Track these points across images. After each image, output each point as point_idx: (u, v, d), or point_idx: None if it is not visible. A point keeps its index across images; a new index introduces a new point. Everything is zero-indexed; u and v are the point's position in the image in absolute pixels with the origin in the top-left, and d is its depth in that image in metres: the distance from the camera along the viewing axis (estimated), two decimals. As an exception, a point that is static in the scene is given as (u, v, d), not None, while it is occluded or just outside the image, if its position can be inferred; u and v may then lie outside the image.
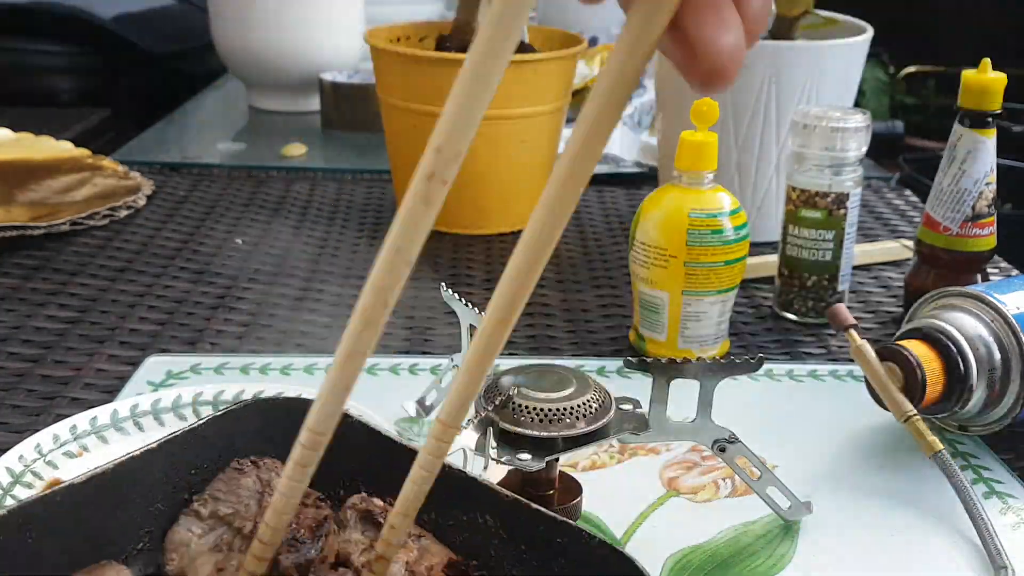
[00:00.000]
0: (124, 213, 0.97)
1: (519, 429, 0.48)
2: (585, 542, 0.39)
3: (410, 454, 0.42)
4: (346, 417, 0.44)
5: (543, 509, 0.40)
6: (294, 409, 0.45)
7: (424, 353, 0.72)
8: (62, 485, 0.40)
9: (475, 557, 0.42)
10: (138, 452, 0.42)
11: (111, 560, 0.40)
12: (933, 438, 0.55)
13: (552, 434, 0.47)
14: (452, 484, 0.42)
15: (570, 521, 0.39)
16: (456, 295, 0.55)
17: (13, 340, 0.72)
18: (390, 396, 0.64)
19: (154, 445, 0.43)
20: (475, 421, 0.47)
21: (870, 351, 0.58)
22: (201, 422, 0.45)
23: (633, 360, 0.49)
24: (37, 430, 0.56)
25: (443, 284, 0.57)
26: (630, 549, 0.51)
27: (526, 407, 0.48)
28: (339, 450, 0.43)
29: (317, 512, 0.42)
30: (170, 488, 0.44)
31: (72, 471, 0.54)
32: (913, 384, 0.57)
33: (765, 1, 0.26)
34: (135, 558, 0.42)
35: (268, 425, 0.46)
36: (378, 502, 0.43)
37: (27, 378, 0.67)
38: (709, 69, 0.25)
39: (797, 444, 0.61)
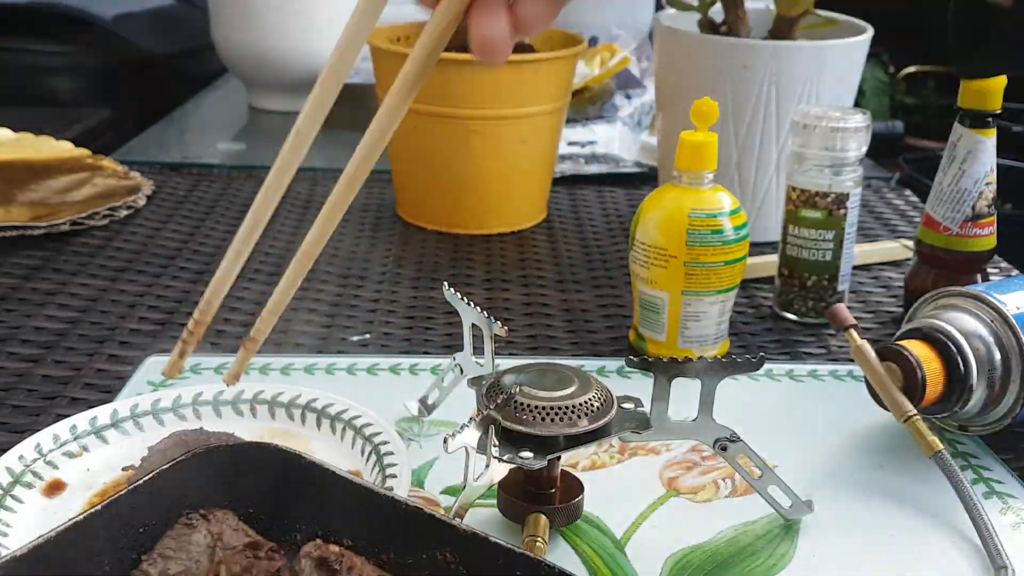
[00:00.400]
0: (124, 213, 0.97)
1: (521, 427, 0.48)
2: (545, 572, 0.38)
3: (369, 495, 0.42)
4: (298, 459, 0.43)
5: (502, 541, 0.39)
6: (244, 456, 0.44)
7: (424, 353, 0.72)
8: (3, 558, 0.38)
9: None
10: (82, 517, 0.40)
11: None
12: (933, 438, 0.55)
13: (554, 432, 0.47)
14: (410, 521, 0.41)
15: (529, 553, 0.39)
16: (458, 294, 0.56)
17: (13, 340, 0.72)
18: (390, 396, 0.64)
19: (98, 507, 0.41)
20: (477, 419, 0.47)
21: (870, 351, 0.58)
22: (147, 478, 0.42)
23: (635, 359, 0.49)
24: (37, 430, 0.56)
25: (446, 283, 0.57)
26: (630, 549, 0.51)
27: (528, 405, 0.48)
28: (295, 496, 0.42)
29: (271, 564, 0.41)
30: (118, 550, 0.41)
31: (72, 471, 0.54)
32: (913, 384, 0.57)
33: (532, 12, 0.39)
34: None
35: (218, 473, 0.44)
36: (334, 548, 0.41)
37: (27, 378, 0.67)
38: (479, 47, 0.40)
39: (797, 444, 0.61)
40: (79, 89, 1.90)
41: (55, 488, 0.53)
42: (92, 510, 0.40)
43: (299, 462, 0.43)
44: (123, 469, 0.54)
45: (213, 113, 1.50)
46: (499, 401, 0.48)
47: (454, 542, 0.40)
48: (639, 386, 0.55)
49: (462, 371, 0.59)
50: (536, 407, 0.48)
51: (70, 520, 0.39)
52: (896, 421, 0.57)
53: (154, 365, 0.67)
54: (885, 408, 0.58)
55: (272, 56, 1.35)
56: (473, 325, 0.55)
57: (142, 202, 1.01)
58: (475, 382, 0.52)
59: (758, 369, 0.49)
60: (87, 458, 0.55)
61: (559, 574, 0.38)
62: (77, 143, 1.14)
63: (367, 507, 0.42)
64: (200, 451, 0.44)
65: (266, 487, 0.44)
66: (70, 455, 0.55)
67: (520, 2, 0.39)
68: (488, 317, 0.53)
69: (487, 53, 0.39)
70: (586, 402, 0.48)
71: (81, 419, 0.57)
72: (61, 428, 0.56)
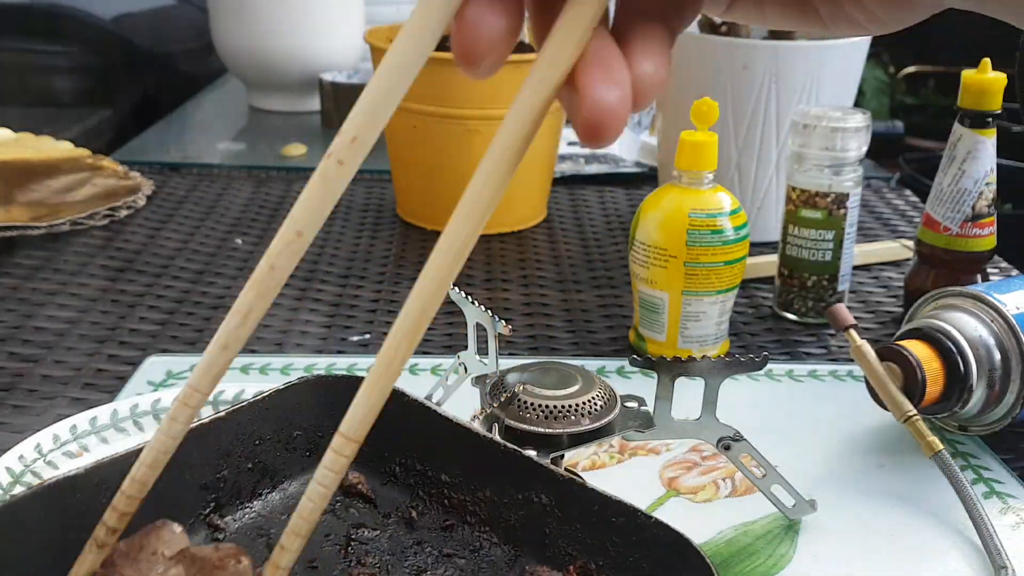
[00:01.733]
0: (124, 213, 0.97)
1: (524, 426, 0.48)
2: (641, 520, 0.39)
3: (469, 435, 0.45)
4: (402, 396, 0.47)
5: (598, 488, 0.41)
6: (347, 385, 0.48)
7: (424, 353, 0.72)
8: (135, 447, 0.41)
9: (532, 533, 0.43)
10: (208, 420, 0.45)
11: (166, 520, 0.41)
12: (933, 438, 0.55)
13: (557, 431, 0.48)
14: (507, 462, 0.43)
15: (624, 500, 0.40)
16: (463, 293, 0.56)
17: (13, 340, 0.72)
18: (390, 396, 0.64)
19: (223, 414, 0.45)
20: (480, 417, 0.48)
21: (870, 351, 0.58)
22: (267, 393, 0.47)
23: (639, 358, 0.49)
24: (37, 430, 0.56)
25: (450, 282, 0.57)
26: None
27: (531, 404, 0.48)
28: (398, 429, 0.45)
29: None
30: (236, 456, 0.46)
31: (72, 471, 0.54)
32: (913, 384, 0.57)
33: (657, 67, 0.27)
34: (200, 523, 0.45)
35: (323, 400, 0.48)
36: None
37: (27, 378, 0.67)
38: (589, 121, 0.26)
39: (797, 444, 0.61)
40: (79, 89, 1.90)
41: (55, 488, 0.53)
42: (216, 415, 0.45)
43: (403, 399, 0.46)
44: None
45: (213, 113, 1.50)
46: (503, 399, 0.48)
47: (550, 486, 0.42)
48: (639, 386, 0.55)
49: (466, 370, 0.59)
50: (539, 406, 0.48)
51: (198, 421, 0.44)
52: (896, 421, 0.57)
53: (154, 365, 0.67)
54: (885, 408, 0.58)
55: (272, 56, 1.35)
56: (477, 324, 0.56)
57: (142, 202, 1.01)
58: (479, 381, 0.52)
59: (762, 368, 0.49)
60: (87, 458, 0.55)
61: (654, 523, 0.39)
62: (77, 143, 1.14)
63: (467, 445, 0.45)
64: (310, 378, 0.48)
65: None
66: (70, 455, 0.55)
67: (640, 57, 0.27)
68: (492, 316, 0.53)
69: (600, 128, 0.26)
70: (589, 401, 0.48)
71: (81, 419, 0.57)
72: (61, 428, 0.56)
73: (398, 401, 0.46)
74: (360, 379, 0.47)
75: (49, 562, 0.39)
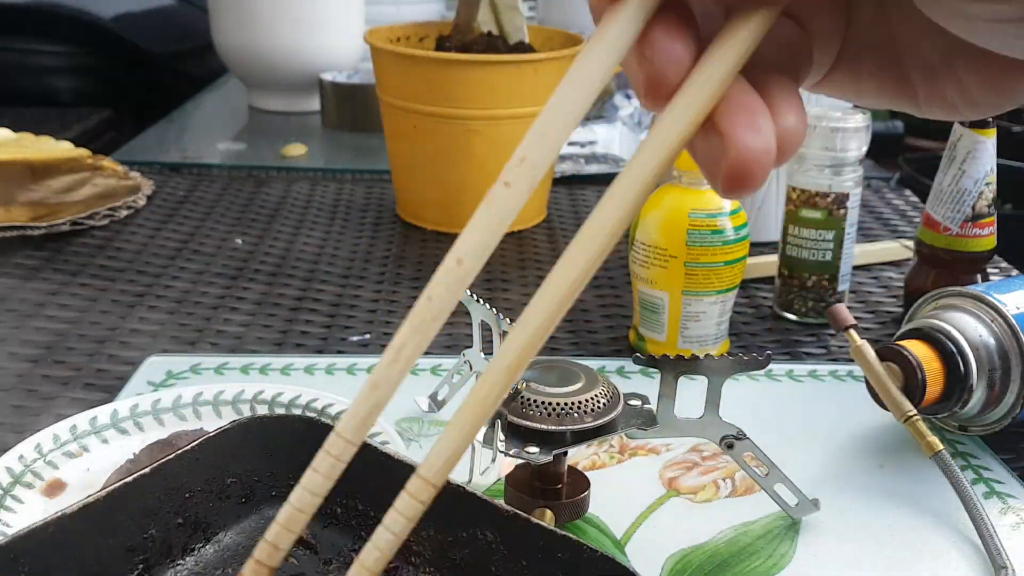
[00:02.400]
0: (124, 213, 0.97)
1: (527, 423, 0.48)
2: (587, 555, 0.38)
3: (411, 473, 0.41)
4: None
5: (543, 524, 0.40)
6: (284, 426, 0.45)
7: (424, 353, 0.72)
8: (54, 516, 0.39)
9: (478, 571, 0.41)
10: (132, 479, 0.42)
11: None
12: (933, 438, 0.55)
13: (560, 428, 0.48)
14: (452, 499, 0.41)
15: (570, 535, 0.39)
16: (470, 293, 0.56)
17: (13, 340, 0.72)
18: (390, 396, 0.64)
19: (147, 470, 0.42)
20: None
21: (870, 351, 0.58)
22: (195, 444, 0.44)
23: (642, 357, 0.49)
24: (37, 430, 0.56)
25: None
26: (630, 549, 0.51)
27: (535, 401, 0.48)
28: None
29: None
30: (164, 513, 0.43)
31: (72, 471, 0.54)
32: (913, 384, 0.57)
33: (799, 120, 0.26)
34: None
35: (260, 444, 0.45)
36: None
37: (27, 378, 0.67)
38: (735, 169, 0.25)
39: (797, 444, 0.61)
40: (79, 89, 1.90)
41: (55, 488, 0.53)
42: (141, 472, 0.42)
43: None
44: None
45: (213, 113, 1.50)
46: (506, 396, 0.48)
47: (495, 523, 0.41)
48: (639, 386, 0.55)
49: (471, 367, 0.59)
50: (543, 403, 0.48)
51: (121, 481, 0.41)
52: (896, 421, 0.57)
53: (154, 365, 0.67)
54: (885, 408, 0.58)
55: (272, 56, 1.35)
56: (482, 322, 0.56)
57: (142, 202, 1.01)
58: (483, 378, 0.52)
59: (765, 367, 0.50)
60: (87, 458, 0.55)
61: (600, 557, 0.38)
62: (77, 143, 1.14)
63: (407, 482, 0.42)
64: (244, 420, 0.45)
65: (307, 459, 0.44)
66: (70, 455, 0.55)
67: (781, 113, 0.26)
68: (497, 314, 0.53)
69: (746, 177, 0.25)
70: (593, 398, 0.48)
71: (81, 419, 0.57)
72: (61, 428, 0.56)
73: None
74: (293, 417, 0.46)
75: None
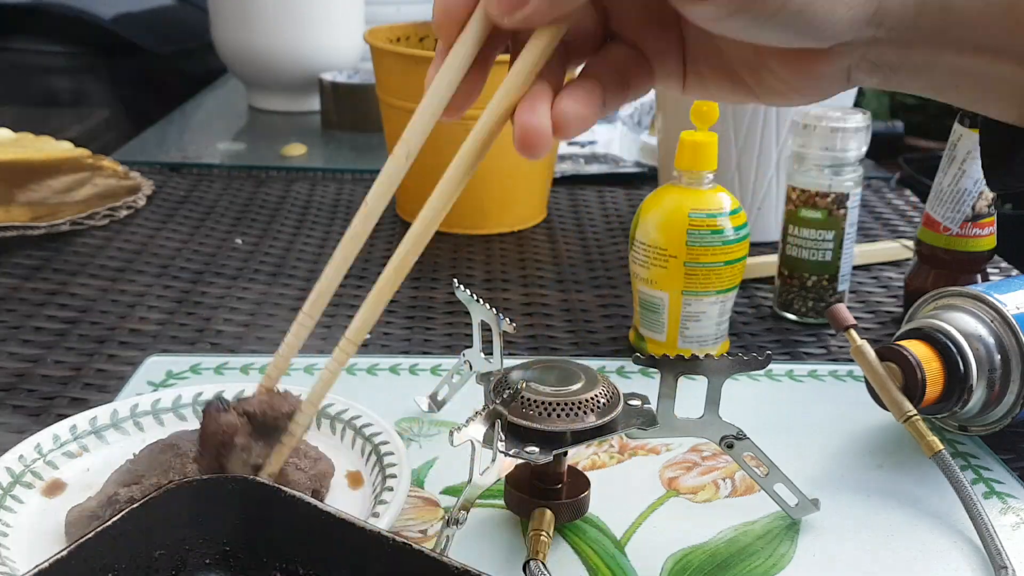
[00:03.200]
0: (124, 213, 0.97)
1: (527, 423, 0.48)
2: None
3: (353, 530, 0.39)
4: (276, 492, 0.41)
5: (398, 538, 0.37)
6: (216, 489, 0.42)
7: (424, 353, 0.72)
8: (48, 560, 0.36)
9: None
10: (48, 563, 0.37)
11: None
12: (933, 438, 0.55)
13: (560, 428, 0.48)
14: (396, 559, 0.38)
15: (424, 550, 0.37)
16: (468, 291, 0.56)
17: (13, 340, 0.72)
18: (390, 396, 0.64)
19: (64, 553, 0.37)
20: (483, 414, 0.47)
21: (870, 351, 0.58)
22: (116, 519, 0.40)
23: (642, 357, 0.49)
24: (37, 430, 0.56)
25: (455, 280, 0.57)
26: (630, 549, 0.51)
27: (534, 401, 0.48)
28: (274, 532, 0.40)
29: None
30: None
31: (72, 471, 0.54)
32: (913, 384, 0.57)
33: (575, 107, 0.38)
34: None
35: (190, 510, 0.42)
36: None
37: (27, 378, 0.67)
38: (519, 138, 0.38)
39: (797, 444, 0.61)
40: (79, 89, 1.90)
41: (55, 488, 0.53)
42: (58, 555, 0.37)
43: (277, 495, 0.41)
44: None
45: (213, 113, 1.50)
46: (506, 396, 0.48)
47: None
48: (638, 386, 0.55)
49: (471, 367, 0.59)
50: (543, 402, 0.48)
51: (37, 567, 0.37)
52: (896, 421, 0.57)
53: (154, 365, 0.67)
54: (885, 408, 0.58)
55: (272, 56, 1.35)
56: (482, 322, 0.56)
57: (142, 202, 1.01)
58: (483, 378, 0.52)
59: (765, 367, 0.49)
60: (87, 458, 0.55)
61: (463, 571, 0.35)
62: (77, 143, 1.14)
63: (351, 543, 0.40)
64: (172, 487, 0.41)
65: (242, 522, 0.42)
66: (70, 455, 0.55)
67: (560, 100, 0.38)
68: (497, 314, 0.53)
69: (525, 145, 0.38)
70: (592, 398, 0.48)
71: (81, 419, 0.57)
72: (61, 428, 0.56)
73: (276, 499, 0.40)
74: (216, 479, 0.42)
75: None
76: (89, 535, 0.39)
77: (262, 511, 0.41)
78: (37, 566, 0.37)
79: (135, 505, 0.40)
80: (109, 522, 0.39)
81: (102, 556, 0.39)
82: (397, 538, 0.38)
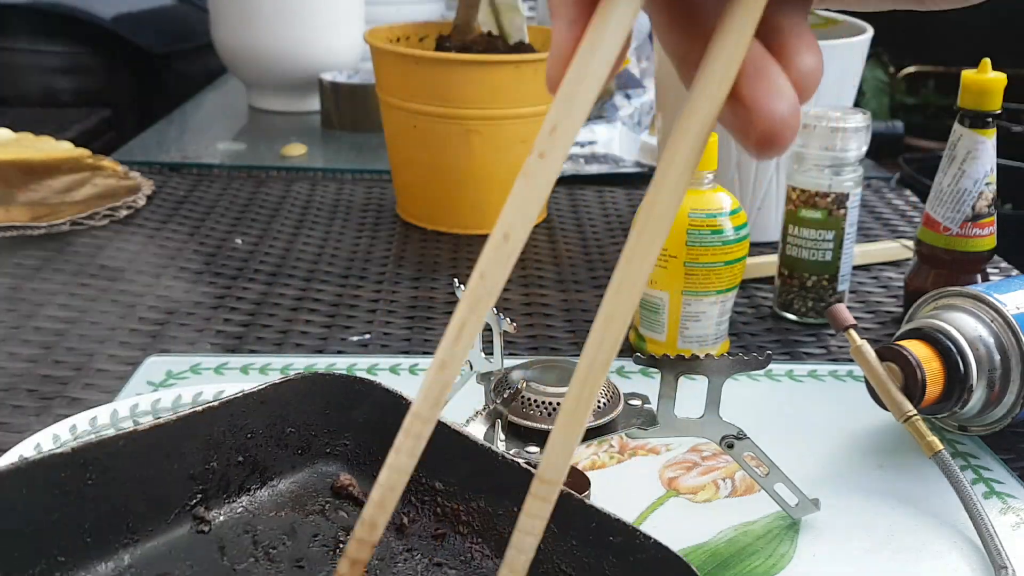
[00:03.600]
0: (124, 213, 0.97)
1: (527, 422, 0.48)
2: (639, 540, 0.38)
3: (467, 443, 0.44)
4: (402, 401, 0.46)
5: (596, 505, 0.40)
6: (344, 386, 0.48)
7: (424, 353, 0.72)
8: (126, 431, 0.41)
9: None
10: (201, 408, 0.44)
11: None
12: (933, 438, 0.55)
13: None
14: (504, 473, 0.42)
15: (623, 519, 0.39)
16: None
17: (13, 340, 0.72)
18: (390, 396, 0.64)
19: (216, 404, 0.44)
20: (483, 413, 0.47)
21: (870, 351, 0.58)
22: (261, 387, 0.46)
23: (642, 357, 0.49)
24: (37, 430, 0.56)
25: (456, 280, 0.57)
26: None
27: (535, 400, 0.48)
28: (382, 429, 0.43)
29: None
30: (227, 448, 0.45)
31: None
32: (913, 384, 0.57)
33: (815, 59, 0.26)
34: (185, 514, 0.44)
35: (320, 399, 0.47)
36: None
37: (27, 378, 0.67)
38: (764, 134, 0.26)
39: (797, 444, 0.61)
40: (79, 89, 1.90)
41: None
42: (210, 404, 0.44)
43: (401, 403, 0.45)
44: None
45: (213, 113, 1.50)
46: (506, 396, 0.48)
47: None
48: (638, 387, 0.55)
49: (471, 367, 0.59)
50: (543, 402, 0.48)
51: (190, 408, 0.43)
52: (896, 421, 0.57)
53: (154, 365, 0.67)
54: (885, 408, 0.58)
55: (272, 56, 1.35)
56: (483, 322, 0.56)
57: (142, 202, 1.01)
58: (484, 378, 0.52)
59: (765, 367, 0.50)
60: (87, 458, 0.55)
61: (654, 544, 0.38)
62: (77, 143, 1.14)
63: (464, 454, 0.44)
64: (307, 375, 0.47)
65: (365, 422, 0.47)
66: (70, 455, 0.55)
67: (797, 56, 0.27)
68: (498, 314, 0.53)
69: (776, 140, 0.26)
70: (592, 398, 0.48)
71: (81, 419, 0.57)
72: (61, 428, 0.56)
73: (396, 405, 0.45)
74: (353, 378, 0.47)
75: (27, 540, 0.39)
76: (237, 395, 0.45)
77: (386, 416, 0.45)
78: (193, 407, 0.44)
79: (276, 380, 0.47)
80: (256, 388, 0.46)
81: (245, 415, 0.46)
82: (507, 455, 0.43)
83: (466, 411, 0.49)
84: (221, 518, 0.45)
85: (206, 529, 0.44)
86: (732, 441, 0.51)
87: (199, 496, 0.45)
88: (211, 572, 0.42)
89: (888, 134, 2.29)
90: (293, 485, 0.47)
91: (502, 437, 0.47)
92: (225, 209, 1.02)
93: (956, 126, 0.73)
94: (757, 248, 0.87)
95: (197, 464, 0.44)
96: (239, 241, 0.93)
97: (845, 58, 0.88)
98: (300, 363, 0.68)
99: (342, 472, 0.47)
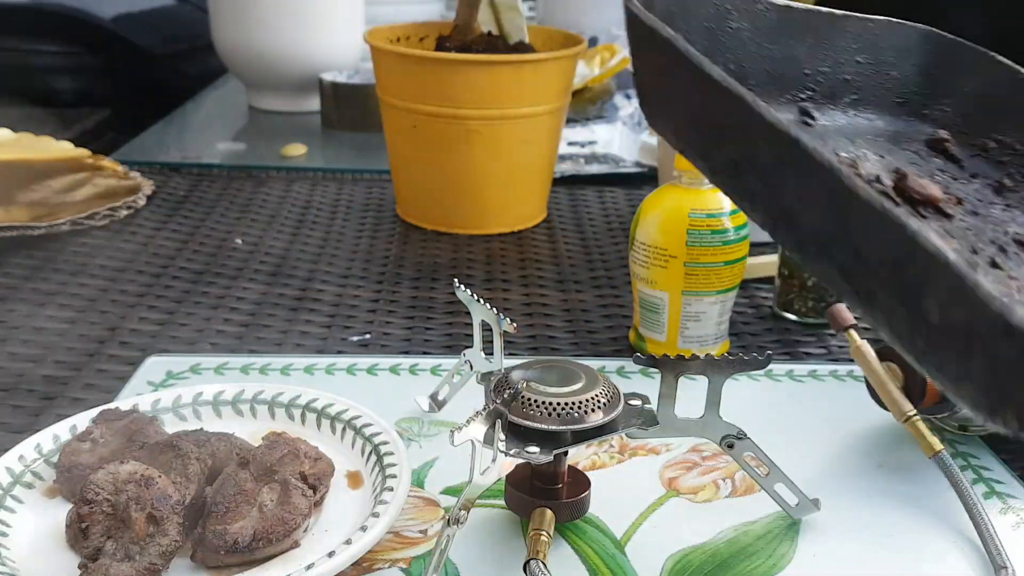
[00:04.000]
0: (124, 213, 0.97)
1: (528, 422, 0.48)
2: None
3: None
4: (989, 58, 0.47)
5: None
6: (952, 53, 0.48)
7: (424, 353, 0.72)
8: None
9: None
10: (839, 14, 0.46)
11: None
12: (933, 438, 0.55)
13: (561, 428, 0.48)
14: None
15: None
16: (469, 291, 0.56)
17: (13, 340, 0.72)
18: (390, 396, 0.64)
19: (840, 13, 0.46)
20: (484, 413, 0.47)
21: (870, 351, 0.58)
22: (871, 18, 0.47)
23: (642, 357, 0.49)
24: (37, 430, 0.56)
25: (456, 281, 0.58)
26: (630, 549, 0.51)
27: (535, 401, 0.48)
28: (988, 99, 0.46)
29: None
30: (838, 61, 0.46)
31: (72, 471, 0.54)
32: (913, 384, 0.57)
33: None
34: (791, 103, 0.46)
35: (924, 58, 0.48)
36: None
37: (27, 378, 0.67)
38: None
39: (797, 444, 0.61)
40: (79, 89, 1.90)
41: (55, 488, 0.53)
42: (840, 12, 0.46)
43: (1020, 79, 0.45)
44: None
45: (213, 113, 1.50)
46: (507, 395, 0.48)
47: None
48: (639, 387, 0.55)
49: (471, 367, 0.59)
50: (543, 402, 0.48)
51: (828, 10, 0.47)
52: (896, 421, 0.57)
53: (154, 365, 0.67)
54: (885, 408, 0.58)
55: (272, 56, 1.35)
56: (483, 322, 0.56)
57: (142, 202, 1.01)
58: (484, 378, 0.52)
59: (765, 367, 0.50)
60: (87, 458, 0.55)
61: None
62: (77, 143, 1.14)
63: None
64: (921, 29, 0.48)
65: (970, 92, 0.47)
66: (70, 455, 0.55)
67: None
68: (498, 314, 0.53)
69: None
70: (593, 398, 0.48)
71: (81, 419, 0.57)
72: (61, 428, 0.56)
73: (1014, 81, 0.46)
74: (966, 45, 0.48)
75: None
76: (854, 16, 0.47)
77: (997, 91, 0.46)
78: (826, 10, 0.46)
79: (886, 20, 0.48)
80: (866, 16, 0.48)
81: (858, 38, 0.47)
82: None
83: (466, 411, 0.49)
84: (824, 121, 0.46)
85: (810, 122, 0.45)
86: (732, 441, 0.51)
87: (808, 93, 0.46)
88: None
89: (888, 134, 2.29)
90: (889, 127, 0.47)
91: (502, 437, 0.47)
92: (225, 209, 1.02)
93: (956, 126, 0.73)
94: (757, 248, 0.87)
95: (814, 63, 0.46)
96: (239, 241, 0.93)
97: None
98: (300, 363, 0.68)
99: (938, 129, 0.47)
